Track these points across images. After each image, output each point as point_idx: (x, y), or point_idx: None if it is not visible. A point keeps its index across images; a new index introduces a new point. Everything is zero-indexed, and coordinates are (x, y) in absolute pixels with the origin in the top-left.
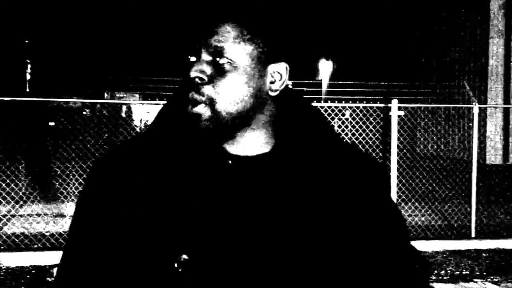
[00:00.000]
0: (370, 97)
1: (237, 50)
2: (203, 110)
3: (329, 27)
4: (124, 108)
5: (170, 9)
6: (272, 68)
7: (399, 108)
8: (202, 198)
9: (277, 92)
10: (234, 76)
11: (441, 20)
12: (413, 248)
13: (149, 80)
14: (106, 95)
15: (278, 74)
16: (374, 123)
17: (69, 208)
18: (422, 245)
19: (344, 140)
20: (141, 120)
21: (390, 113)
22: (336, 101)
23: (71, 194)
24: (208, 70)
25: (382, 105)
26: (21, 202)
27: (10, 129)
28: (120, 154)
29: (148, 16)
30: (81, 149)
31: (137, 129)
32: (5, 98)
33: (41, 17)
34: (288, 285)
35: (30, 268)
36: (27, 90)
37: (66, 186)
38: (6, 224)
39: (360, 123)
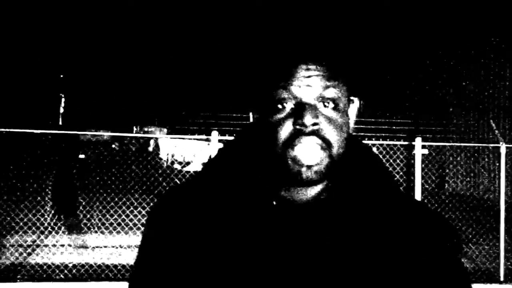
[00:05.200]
0: (394, 134)
1: (339, 95)
2: (322, 155)
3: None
4: (152, 142)
5: (204, 45)
6: (353, 106)
7: (423, 147)
8: (263, 243)
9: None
10: (340, 121)
11: (468, 58)
12: None
13: (177, 114)
14: (135, 128)
15: (353, 113)
16: (398, 161)
17: (92, 239)
18: None
19: (405, 193)
20: (167, 154)
21: (414, 151)
22: (360, 138)
23: (94, 226)
24: (322, 117)
25: (406, 142)
26: (46, 233)
27: (40, 160)
28: (178, 198)
29: (180, 52)
30: (107, 182)
31: (163, 163)
32: (36, 131)
33: (76, 53)
34: None
35: None
36: (60, 123)
37: (90, 218)
38: (31, 254)
39: (384, 160)
